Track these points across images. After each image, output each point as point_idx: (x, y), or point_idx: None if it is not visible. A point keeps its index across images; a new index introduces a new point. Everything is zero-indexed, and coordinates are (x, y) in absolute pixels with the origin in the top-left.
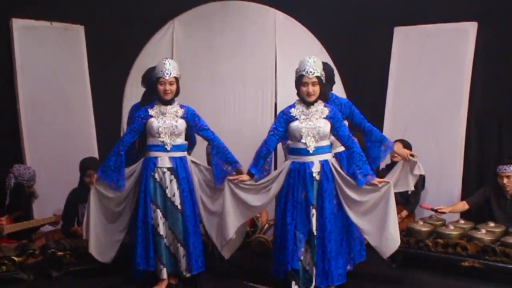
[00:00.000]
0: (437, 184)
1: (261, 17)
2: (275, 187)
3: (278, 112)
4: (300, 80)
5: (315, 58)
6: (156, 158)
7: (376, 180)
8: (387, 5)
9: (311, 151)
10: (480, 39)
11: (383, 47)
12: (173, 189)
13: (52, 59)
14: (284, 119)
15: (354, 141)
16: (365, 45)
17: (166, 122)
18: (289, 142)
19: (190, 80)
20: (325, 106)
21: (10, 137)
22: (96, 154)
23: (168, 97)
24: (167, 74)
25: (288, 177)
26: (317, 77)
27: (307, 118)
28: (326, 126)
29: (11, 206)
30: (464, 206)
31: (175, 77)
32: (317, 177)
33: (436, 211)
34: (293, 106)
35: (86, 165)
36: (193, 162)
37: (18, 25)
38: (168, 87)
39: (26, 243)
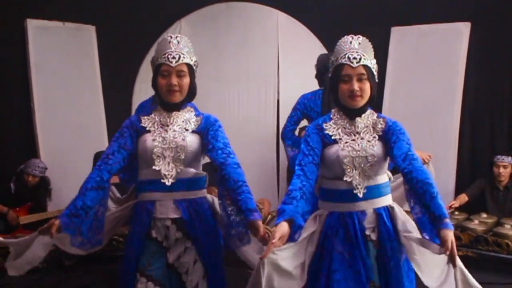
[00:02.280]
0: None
1: (264, 17)
2: (307, 256)
3: (294, 108)
4: (337, 74)
5: (361, 37)
6: (152, 203)
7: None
8: (384, 6)
9: (360, 195)
10: (473, 39)
11: (381, 46)
12: (178, 254)
13: (65, 58)
14: (319, 135)
15: (416, 159)
16: None
17: (167, 139)
18: (323, 177)
19: (196, 77)
20: (378, 116)
21: (25, 132)
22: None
23: (175, 97)
24: (173, 58)
25: (324, 238)
26: (365, 67)
27: (353, 139)
28: (382, 151)
29: (16, 195)
30: (464, 198)
31: (187, 64)
32: (373, 237)
33: (450, 207)
34: (327, 118)
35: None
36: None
37: (32, 25)
38: (174, 80)
39: None
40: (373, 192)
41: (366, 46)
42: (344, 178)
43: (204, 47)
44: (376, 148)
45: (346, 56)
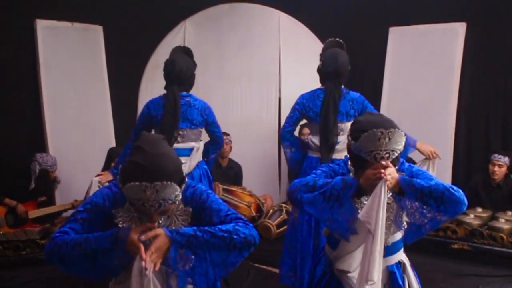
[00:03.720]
0: None
1: (266, 18)
2: None
3: (293, 108)
4: (361, 161)
5: (393, 131)
6: None
7: None
8: (383, 7)
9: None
10: (469, 38)
11: (379, 46)
12: None
13: (73, 57)
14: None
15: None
16: (362, 44)
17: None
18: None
19: (200, 76)
20: (398, 169)
21: (34, 128)
22: (113, 144)
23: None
24: (151, 207)
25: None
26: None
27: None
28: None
29: (36, 191)
30: None
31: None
32: None
33: None
34: (344, 166)
35: (115, 155)
36: None
37: (41, 25)
38: (155, 218)
39: (49, 227)
40: (390, 249)
41: (396, 139)
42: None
43: (207, 47)
44: (391, 209)
45: (372, 155)
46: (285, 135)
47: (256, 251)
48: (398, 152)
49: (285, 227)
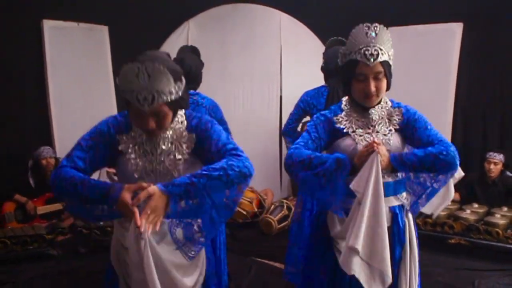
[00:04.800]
0: None
1: (268, 18)
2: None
3: (297, 105)
4: (350, 70)
5: (378, 26)
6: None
7: None
8: (382, 8)
9: None
10: (466, 38)
11: None
12: None
13: (79, 56)
14: (327, 128)
15: (439, 141)
16: None
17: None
18: None
19: (203, 75)
20: (393, 106)
21: (41, 126)
22: None
23: (153, 132)
24: (144, 101)
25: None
26: (383, 63)
27: (367, 132)
28: (400, 145)
29: (37, 185)
30: (457, 197)
31: (168, 103)
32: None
33: None
34: (338, 109)
35: None
36: None
37: (48, 25)
38: (151, 122)
39: (56, 222)
40: (391, 188)
41: (383, 36)
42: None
43: (210, 46)
44: (392, 142)
45: (362, 51)
46: (288, 131)
47: (258, 246)
48: (387, 56)
49: (286, 222)
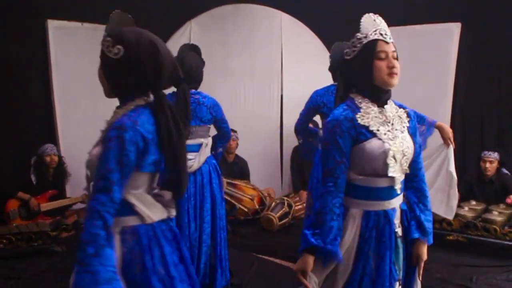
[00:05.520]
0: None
1: (269, 18)
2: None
3: (307, 104)
4: (370, 51)
5: (379, 16)
6: None
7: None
8: (382, 8)
9: (399, 191)
10: (463, 38)
11: None
12: None
13: (83, 56)
14: (351, 133)
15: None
16: None
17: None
18: (353, 175)
19: (205, 74)
20: (396, 104)
21: (46, 126)
22: None
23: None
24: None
25: (361, 241)
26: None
27: (388, 130)
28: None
29: (38, 182)
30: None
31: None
32: (399, 232)
33: None
34: (354, 107)
35: None
36: None
37: (52, 25)
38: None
39: (60, 219)
40: (403, 187)
41: (385, 25)
42: (389, 174)
43: (212, 46)
44: (408, 139)
45: (378, 32)
46: (300, 130)
47: (259, 243)
48: (392, 41)
49: (287, 219)
